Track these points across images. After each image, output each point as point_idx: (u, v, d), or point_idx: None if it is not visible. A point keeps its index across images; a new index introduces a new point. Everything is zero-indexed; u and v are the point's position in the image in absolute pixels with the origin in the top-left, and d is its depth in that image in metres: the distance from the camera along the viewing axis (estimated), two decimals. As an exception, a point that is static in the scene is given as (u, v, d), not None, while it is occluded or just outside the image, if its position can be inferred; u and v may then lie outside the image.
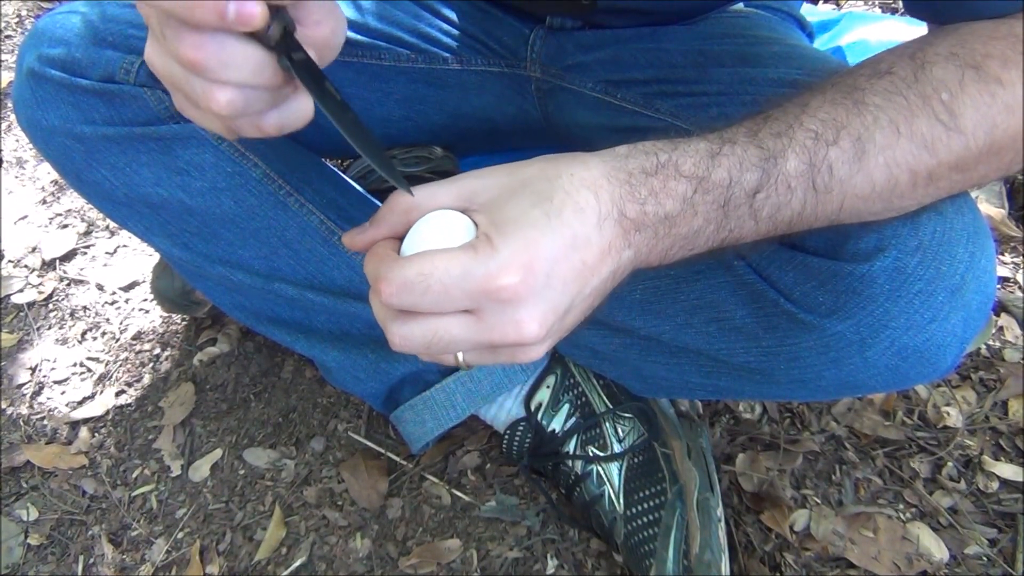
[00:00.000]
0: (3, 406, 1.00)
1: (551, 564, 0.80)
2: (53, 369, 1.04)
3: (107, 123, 0.65)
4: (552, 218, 0.40)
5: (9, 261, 1.18)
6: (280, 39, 0.39)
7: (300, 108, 0.44)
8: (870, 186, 0.46)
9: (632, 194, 0.43)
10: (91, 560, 0.86)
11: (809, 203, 0.45)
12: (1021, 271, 1.00)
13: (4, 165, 1.33)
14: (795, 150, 0.44)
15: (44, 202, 1.26)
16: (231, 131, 0.43)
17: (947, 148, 0.45)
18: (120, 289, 1.12)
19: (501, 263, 0.39)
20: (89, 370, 1.04)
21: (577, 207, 0.41)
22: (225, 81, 0.39)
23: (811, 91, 0.47)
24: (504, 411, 0.84)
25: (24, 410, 1.00)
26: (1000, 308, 0.97)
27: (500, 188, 0.43)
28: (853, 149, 0.44)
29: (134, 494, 0.91)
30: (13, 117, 1.21)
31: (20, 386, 1.03)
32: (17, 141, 1.37)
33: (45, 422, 0.98)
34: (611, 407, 0.81)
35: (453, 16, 0.81)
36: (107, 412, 0.99)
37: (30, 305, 1.12)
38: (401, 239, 0.44)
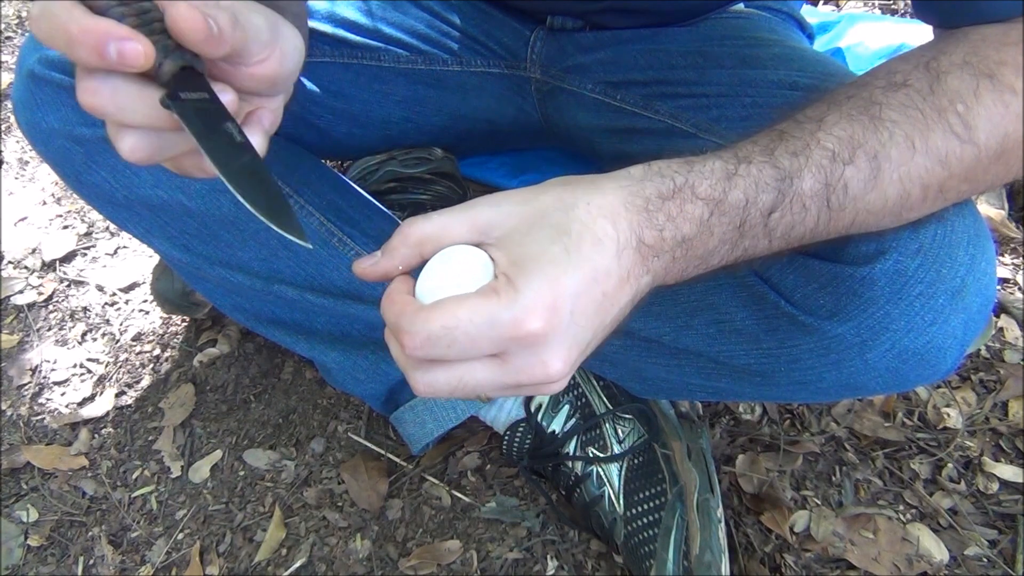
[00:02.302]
0: (3, 407, 1.00)
1: (551, 565, 0.80)
2: (53, 370, 1.04)
3: (107, 125, 0.65)
4: (572, 253, 0.39)
5: (9, 262, 1.18)
6: (173, 77, 0.38)
7: None
8: (883, 202, 0.45)
9: (650, 220, 0.42)
10: (91, 561, 0.86)
11: (823, 220, 0.45)
12: (1021, 272, 1.00)
13: (4, 166, 1.33)
14: (811, 170, 0.44)
15: (44, 203, 1.26)
16: (177, 169, 0.42)
17: (959, 160, 0.45)
18: (120, 290, 1.12)
19: (526, 306, 0.38)
20: (89, 371, 1.04)
21: (596, 239, 0.40)
22: (126, 125, 0.39)
23: (827, 104, 0.47)
24: (504, 412, 0.84)
25: (24, 411, 1.00)
26: (1000, 309, 0.97)
27: (516, 220, 0.42)
28: (869, 167, 0.44)
29: (134, 495, 0.91)
30: (13, 118, 1.21)
31: (20, 387, 1.03)
32: (18, 142, 1.37)
33: (45, 423, 0.98)
34: (611, 408, 0.81)
35: (453, 17, 0.81)
36: (107, 413, 0.99)
37: (30, 306, 1.12)
38: (413, 272, 0.43)
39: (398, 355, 0.42)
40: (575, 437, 0.80)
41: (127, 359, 1.05)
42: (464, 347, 0.38)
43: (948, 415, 0.87)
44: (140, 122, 0.39)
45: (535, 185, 0.44)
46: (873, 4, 1.40)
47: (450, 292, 0.40)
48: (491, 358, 0.40)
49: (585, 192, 0.42)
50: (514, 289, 0.38)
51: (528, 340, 0.38)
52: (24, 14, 1.66)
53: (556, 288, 0.39)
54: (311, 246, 0.42)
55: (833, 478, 0.84)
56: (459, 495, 0.86)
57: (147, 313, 1.10)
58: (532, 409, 0.82)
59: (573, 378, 0.82)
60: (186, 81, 0.38)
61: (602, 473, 0.78)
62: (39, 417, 0.99)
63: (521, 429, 0.83)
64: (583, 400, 0.82)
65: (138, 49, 0.36)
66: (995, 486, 0.82)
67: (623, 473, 0.78)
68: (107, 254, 1.18)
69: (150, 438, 0.96)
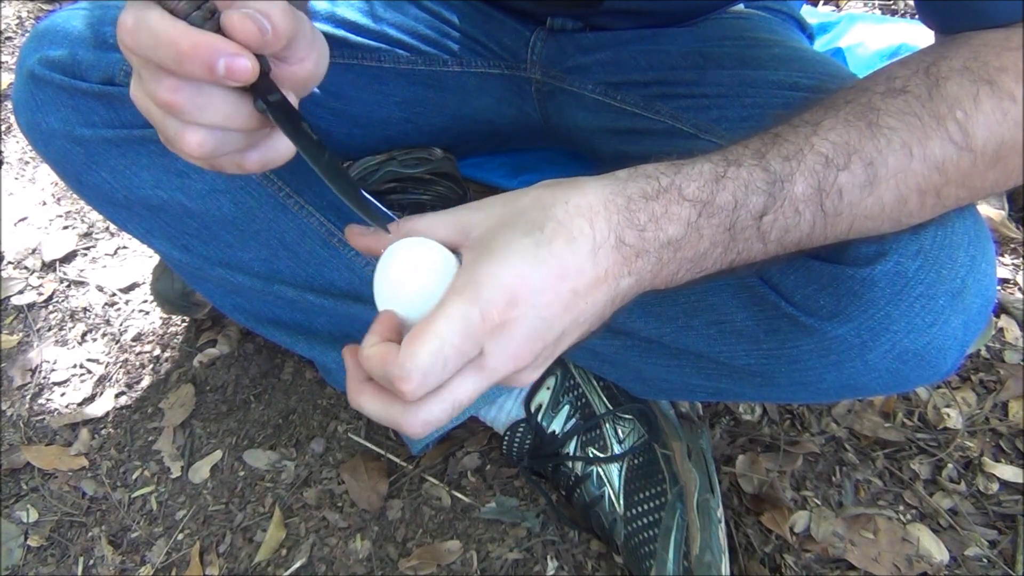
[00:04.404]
0: (3, 408, 1.00)
1: (551, 565, 0.80)
2: (53, 371, 1.04)
3: (107, 126, 0.65)
4: (541, 247, 0.40)
5: (9, 263, 1.18)
6: (256, 81, 0.39)
7: (281, 146, 0.44)
8: (880, 207, 0.45)
9: (631, 220, 0.42)
10: (91, 562, 0.86)
11: (818, 225, 0.45)
12: (1021, 272, 1.00)
13: (5, 166, 1.33)
14: (803, 174, 0.44)
15: (44, 203, 1.26)
16: (211, 166, 0.43)
17: (956, 167, 0.45)
18: (120, 291, 1.12)
19: (489, 297, 0.38)
20: (89, 371, 1.04)
21: (569, 237, 0.41)
22: (199, 123, 0.40)
23: (824, 108, 0.47)
24: (504, 412, 0.84)
25: (24, 411, 1.00)
26: (1000, 310, 0.97)
27: (494, 220, 0.43)
28: (864, 173, 0.44)
29: (134, 495, 0.91)
30: (13, 118, 1.21)
31: (20, 388, 1.03)
32: (18, 142, 1.37)
33: (45, 423, 0.98)
34: (611, 408, 0.81)
35: (453, 18, 0.81)
36: (107, 414, 0.99)
37: (30, 307, 1.12)
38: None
39: (392, 413, 0.41)
40: (575, 437, 0.80)
41: (127, 359, 1.05)
42: (456, 362, 0.39)
43: (948, 415, 0.88)
44: (214, 122, 0.40)
45: (520, 189, 0.45)
46: (873, 4, 1.40)
47: (410, 286, 0.41)
48: (471, 365, 0.40)
49: (565, 192, 0.43)
50: (475, 283, 0.39)
51: (495, 331, 0.39)
52: (24, 14, 1.66)
53: (516, 280, 0.39)
54: (389, 231, 0.43)
55: (833, 478, 0.84)
56: (459, 495, 0.86)
57: (147, 313, 1.10)
58: (532, 409, 0.82)
59: (572, 378, 0.82)
60: (261, 82, 0.40)
61: (602, 473, 0.78)
62: (39, 417, 0.99)
63: (521, 429, 0.83)
64: (583, 400, 0.82)
65: (246, 65, 0.37)
66: (995, 486, 0.82)
67: (623, 473, 0.78)
68: (107, 254, 1.18)
69: (150, 438, 0.96)
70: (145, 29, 0.37)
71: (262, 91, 0.40)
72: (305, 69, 0.43)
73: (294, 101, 0.43)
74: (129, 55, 0.40)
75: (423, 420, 0.40)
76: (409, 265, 0.42)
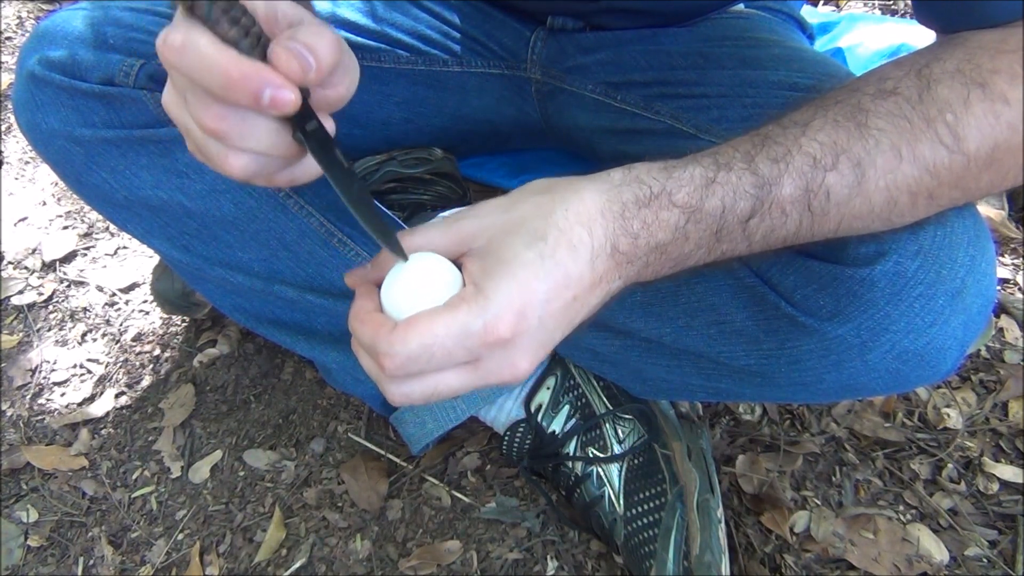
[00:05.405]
0: (3, 408, 1.00)
1: (551, 566, 0.80)
2: (53, 371, 1.04)
3: (107, 126, 0.65)
4: (546, 259, 0.41)
5: (9, 263, 1.18)
6: (296, 109, 0.40)
7: (309, 168, 0.45)
8: (868, 207, 0.46)
9: (625, 228, 0.43)
10: (91, 562, 0.86)
11: (804, 224, 0.46)
12: (1021, 272, 1.00)
13: (5, 166, 1.33)
14: (791, 176, 0.44)
15: (44, 203, 1.26)
16: (239, 179, 0.44)
17: (948, 170, 0.45)
18: (120, 291, 1.12)
19: (496, 313, 0.39)
20: (89, 371, 1.04)
21: (571, 245, 0.42)
22: (242, 149, 0.41)
23: (814, 108, 0.47)
24: (504, 412, 0.84)
25: (24, 412, 1.00)
26: (1000, 310, 0.97)
27: (496, 229, 0.43)
28: (852, 174, 0.44)
29: (134, 495, 0.91)
30: (13, 119, 1.21)
31: (20, 388, 1.03)
32: (18, 142, 1.37)
33: (45, 423, 0.98)
34: (611, 408, 0.81)
35: (453, 18, 0.81)
36: (107, 414, 0.99)
37: (30, 307, 1.12)
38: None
39: (372, 370, 0.43)
40: (575, 437, 0.80)
41: (127, 359, 1.05)
42: (442, 361, 0.40)
43: (948, 415, 0.88)
44: (257, 148, 0.41)
45: (516, 190, 0.46)
46: (873, 4, 1.40)
47: (419, 303, 0.41)
48: (464, 364, 0.41)
49: (563, 198, 0.43)
50: (484, 296, 0.40)
51: (499, 344, 0.40)
52: (24, 14, 1.66)
53: (526, 293, 0.40)
54: (406, 260, 0.43)
55: (833, 478, 0.84)
56: (459, 495, 0.86)
57: (147, 313, 1.10)
58: (532, 409, 0.82)
59: (572, 378, 0.83)
60: (303, 110, 0.41)
61: (602, 473, 0.78)
62: (39, 417, 0.99)
63: (521, 429, 0.83)
64: (583, 400, 0.82)
65: (290, 98, 0.38)
66: (995, 486, 0.82)
67: (623, 473, 0.78)
68: (107, 254, 1.18)
69: (150, 438, 0.96)
70: (194, 52, 0.38)
71: (300, 119, 0.41)
72: (338, 93, 0.43)
73: (327, 122, 0.43)
74: (172, 72, 0.40)
75: (402, 393, 0.42)
76: (417, 281, 0.42)
